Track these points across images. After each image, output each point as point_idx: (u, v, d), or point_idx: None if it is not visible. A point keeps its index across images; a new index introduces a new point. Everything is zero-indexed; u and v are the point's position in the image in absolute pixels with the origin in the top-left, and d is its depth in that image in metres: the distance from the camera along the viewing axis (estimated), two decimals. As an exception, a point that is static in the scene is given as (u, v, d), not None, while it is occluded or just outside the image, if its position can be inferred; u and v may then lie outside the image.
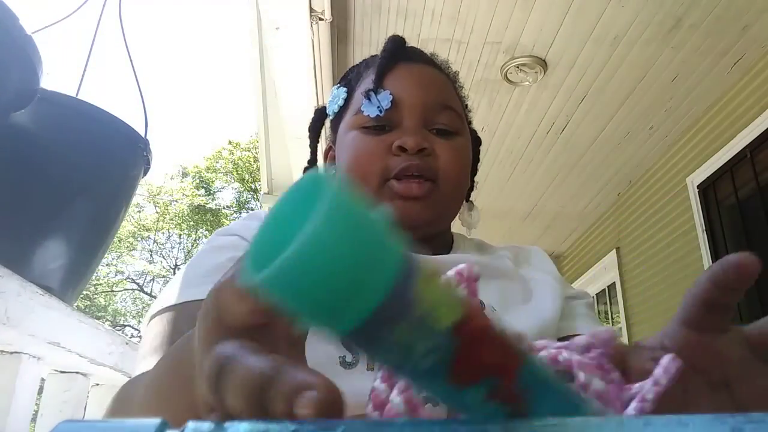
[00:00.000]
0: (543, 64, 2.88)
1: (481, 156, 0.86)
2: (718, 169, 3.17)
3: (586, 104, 3.20)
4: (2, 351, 0.82)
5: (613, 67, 2.90)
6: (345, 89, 0.77)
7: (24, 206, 0.90)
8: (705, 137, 3.28)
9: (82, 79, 1.11)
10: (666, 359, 0.28)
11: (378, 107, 0.70)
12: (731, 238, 3.13)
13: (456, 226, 0.83)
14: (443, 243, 0.78)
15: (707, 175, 3.25)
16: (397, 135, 0.70)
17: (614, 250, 4.36)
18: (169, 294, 0.61)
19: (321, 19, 2.39)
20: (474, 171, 0.84)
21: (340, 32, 2.75)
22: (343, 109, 0.77)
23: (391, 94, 0.71)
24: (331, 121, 0.80)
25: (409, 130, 0.70)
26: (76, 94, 1.07)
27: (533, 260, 0.79)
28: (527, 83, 3.01)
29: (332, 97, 0.79)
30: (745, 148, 2.94)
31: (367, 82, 0.73)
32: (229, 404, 0.23)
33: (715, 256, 3.18)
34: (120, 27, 1.21)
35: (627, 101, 3.17)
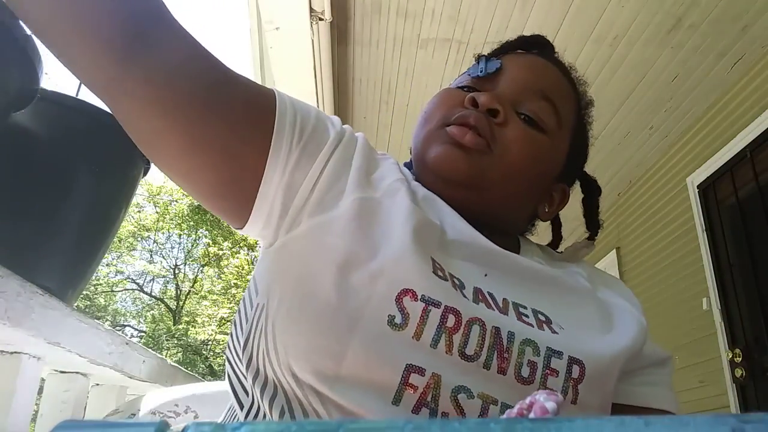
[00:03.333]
0: (543, 64, 2.88)
1: None
2: (718, 169, 3.17)
3: (586, 104, 3.19)
4: (2, 351, 0.82)
5: (613, 67, 2.90)
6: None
7: (24, 206, 0.90)
8: (705, 137, 3.28)
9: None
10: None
11: (482, 69, 0.68)
12: (731, 238, 3.13)
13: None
14: (509, 241, 0.71)
15: (707, 175, 3.25)
16: (479, 95, 0.65)
17: (614, 250, 4.36)
18: None
19: (321, 19, 2.39)
20: (596, 209, 0.83)
21: (340, 32, 2.75)
22: None
23: (501, 63, 0.68)
24: None
25: (493, 92, 0.66)
26: (76, 94, 1.07)
27: (614, 287, 0.71)
28: (527, 83, 3.01)
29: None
30: (745, 148, 2.94)
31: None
32: None
33: (715, 256, 3.18)
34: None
35: (627, 101, 3.17)
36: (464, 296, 0.54)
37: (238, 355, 0.55)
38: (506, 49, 0.73)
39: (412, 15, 2.64)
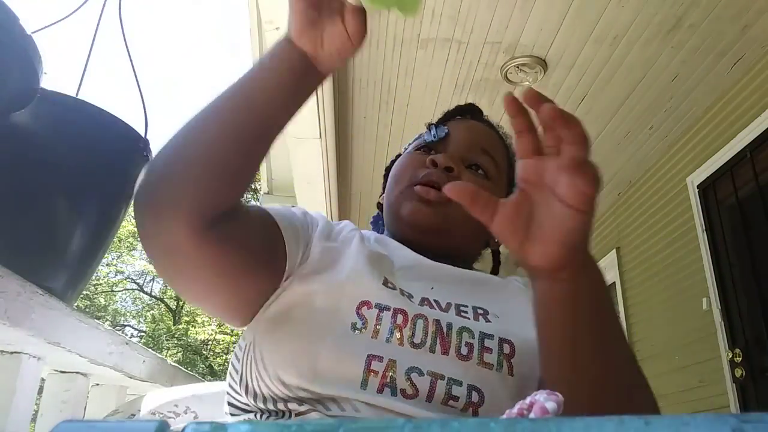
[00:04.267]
0: (543, 64, 2.88)
1: None
2: (718, 169, 3.17)
3: (586, 104, 3.20)
4: (2, 351, 0.82)
5: (613, 67, 2.90)
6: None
7: (24, 206, 0.90)
8: (705, 137, 3.28)
9: (82, 79, 1.11)
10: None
11: (434, 135, 0.87)
12: (731, 238, 3.13)
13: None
14: (465, 267, 0.85)
15: (707, 175, 3.25)
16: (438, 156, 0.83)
17: (614, 250, 4.36)
18: None
19: (321, 19, 2.39)
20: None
21: (340, 32, 2.74)
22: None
23: (447, 129, 0.87)
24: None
25: (447, 154, 0.84)
26: (76, 94, 1.07)
27: None
28: (527, 83, 3.01)
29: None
30: (745, 147, 2.94)
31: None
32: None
33: (716, 256, 3.18)
34: (120, 27, 1.20)
35: (627, 101, 3.17)
36: (411, 301, 0.69)
37: (236, 390, 0.68)
38: (449, 117, 0.91)
39: (412, 15, 2.63)
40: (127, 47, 1.19)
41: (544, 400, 0.31)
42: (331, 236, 0.78)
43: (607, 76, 2.97)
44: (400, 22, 2.68)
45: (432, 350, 0.64)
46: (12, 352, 0.82)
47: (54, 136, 0.95)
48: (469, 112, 0.94)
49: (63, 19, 1.12)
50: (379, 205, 0.95)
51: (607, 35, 2.70)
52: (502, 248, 0.94)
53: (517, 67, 2.91)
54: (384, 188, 0.94)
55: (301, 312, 0.66)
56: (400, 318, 0.66)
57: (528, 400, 0.33)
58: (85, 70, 1.15)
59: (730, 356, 2.99)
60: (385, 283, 0.70)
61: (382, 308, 0.67)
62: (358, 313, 0.66)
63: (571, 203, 0.48)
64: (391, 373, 0.61)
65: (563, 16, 2.60)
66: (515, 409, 0.32)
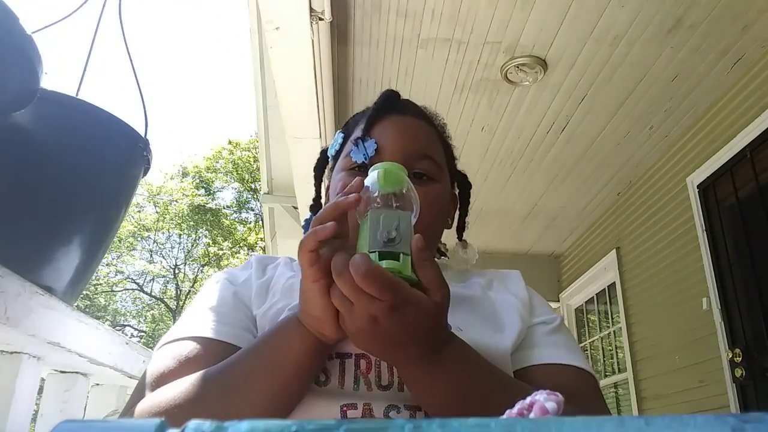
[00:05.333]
0: (543, 63, 2.88)
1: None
2: (718, 169, 3.17)
3: (586, 104, 3.20)
4: (2, 351, 0.82)
5: (613, 67, 2.90)
6: (342, 134, 0.88)
7: (23, 206, 0.90)
8: (705, 137, 3.28)
9: (82, 79, 1.11)
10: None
11: (364, 154, 0.80)
12: (731, 238, 3.13)
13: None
14: None
15: (707, 175, 3.25)
16: None
17: (614, 250, 4.36)
18: (178, 328, 0.72)
19: (321, 19, 2.39)
20: (465, 212, 0.93)
21: (340, 32, 2.75)
22: (339, 152, 0.86)
23: (375, 142, 0.80)
24: (332, 161, 0.90)
25: None
26: (76, 94, 1.07)
27: (508, 283, 0.85)
28: (527, 83, 3.01)
29: (333, 141, 0.90)
30: (745, 147, 2.94)
31: (359, 130, 0.83)
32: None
33: (716, 256, 3.18)
34: (120, 27, 1.20)
35: (627, 101, 3.17)
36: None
37: None
38: (371, 120, 0.83)
39: (412, 15, 2.64)
40: (127, 47, 1.19)
41: (545, 400, 0.31)
42: (270, 288, 0.78)
43: (607, 76, 2.97)
44: (400, 22, 2.68)
45: (401, 389, 0.64)
46: (12, 352, 0.82)
47: (54, 137, 0.95)
48: (391, 106, 0.86)
49: (63, 19, 1.12)
50: (313, 208, 0.93)
51: (607, 35, 2.70)
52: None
53: (517, 67, 2.91)
54: (317, 189, 0.93)
55: None
56: (363, 364, 0.65)
57: (528, 400, 0.33)
58: (85, 70, 1.15)
59: (730, 356, 2.98)
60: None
61: (343, 356, 0.66)
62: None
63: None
64: (369, 416, 0.62)
65: (563, 16, 2.60)
66: (515, 409, 0.32)
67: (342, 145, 0.86)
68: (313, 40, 2.44)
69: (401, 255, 0.55)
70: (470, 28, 2.69)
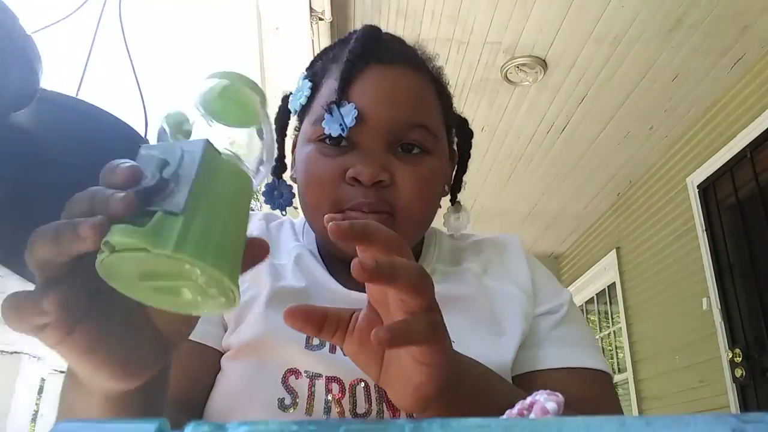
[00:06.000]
0: (543, 64, 2.88)
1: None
2: (718, 169, 3.17)
3: (586, 104, 3.20)
4: (2, 351, 0.82)
5: (613, 67, 2.90)
6: (310, 83, 0.68)
7: (24, 206, 0.90)
8: (705, 137, 3.28)
9: (82, 79, 1.11)
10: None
11: (341, 125, 0.61)
12: (731, 238, 3.13)
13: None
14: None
15: (707, 175, 3.25)
16: (356, 158, 0.62)
17: (614, 250, 4.36)
18: None
19: (321, 19, 2.39)
20: (463, 169, 0.78)
21: (340, 32, 2.75)
22: (306, 106, 0.68)
23: (356, 108, 0.61)
24: (297, 115, 0.71)
25: (368, 156, 0.62)
26: (76, 94, 1.07)
27: (507, 261, 0.72)
28: (527, 83, 3.01)
29: (296, 89, 0.69)
30: (745, 147, 2.94)
31: (331, 84, 0.64)
32: (38, 255, 0.33)
33: (716, 256, 3.18)
34: (120, 27, 1.20)
35: (627, 101, 3.17)
36: (344, 356, 0.54)
37: None
38: (347, 75, 0.63)
39: (412, 15, 2.64)
40: (127, 47, 1.19)
41: (545, 400, 0.31)
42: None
43: (607, 76, 2.97)
44: (400, 22, 2.68)
45: (380, 416, 0.56)
46: (12, 352, 0.82)
47: (54, 137, 0.95)
48: (373, 51, 0.65)
49: (63, 19, 1.12)
50: (275, 170, 0.74)
51: (607, 35, 2.70)
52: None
53: (517, 67, 2.91)
54: (280, 147, 0.75)
55: (224, 386, 0.59)
56: (335, 388, 0.56)
57: (528, 400, 0.32)
58: (85, 70, 1.15)
59: (730, 356, 2.98)
60: (309, 342, 0.58)
61: (312, 377, 0.56)
62: (285, 386, 0.56)
63: (420, 359, 0.40)
64: None
65: (563, 16, 2.60)
66: (515, 410, 0.32)
67: (310, 99, 0.67)
68: (313, 40, 2.44)
69: (160, 213, 0.30)
70: (470, 28, 2.69)
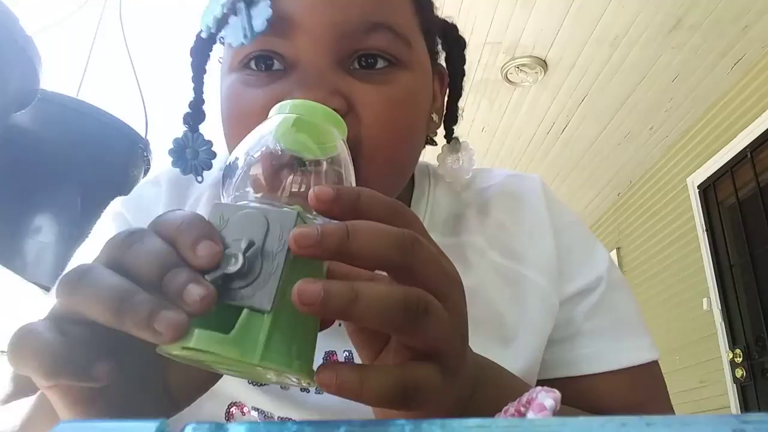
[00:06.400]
0: (543, 64, 2.88)
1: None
2: (718, 170, 3.17)
3: (587, 104, 3.20)
4: (2, 351, 0.82)
5: (613, 68, 2.90)
6: None
7: (24, 206, 0.90)
8: (705, 137, 3.28)
9: (82, 79, 1.11)
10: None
11: (244, 29, 0.42)
12: (731, 238, 3.13)
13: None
14: None
15: (707, 176, 3.25)
16: (292, 83, 0.43)
17: (614, 250, 4.36)
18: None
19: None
20: (457, 94, 0.60)
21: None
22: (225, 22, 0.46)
23: (270, 6, 0.42)
24: (224, 45, 0.50)
25: (308, 77, 0.43)
26: (76, 95, 1.07)
27: (524, 226, 0.55)
28: (527, 83, 3.01)
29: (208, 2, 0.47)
30: (745, 148, 2.94)
31: None
32: (85, 309, 0.26)
33: (716, 256, 3.18)
34: (120, 27, 1.20)
35: (627, 101, 3.17)
36: (303, 389, 0.46)
37: None
38: None
39: (413, 15, 2.64)
40: (127, 47, 1.20)
41: (542, 398, 0.31)
42: None
43: (607, 76, 2.97)
44: (401, 22, 2.68)
45: None
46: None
47: (54, 137, 0.95)
48: None
49: (63, 19, 1.12)
50: (189, 117, 0.52)
51: (607, 35, 2.69)
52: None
53: (518, 68, 2.91)
54: (196, 87, 0.53)
55: None
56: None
57: (525, 397, 0.32)
58: (85, 70, 1.15)
59: (731, 357, 2.98)
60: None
61: (261, 414, 0.46)
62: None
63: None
64: None
65: (564, 17, 2.60)
66: (512, 407, 0.32)
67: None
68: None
69: (246, 312, 0.26)
70: (470, 28, 2.69)
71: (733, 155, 3.03)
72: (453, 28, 0.62)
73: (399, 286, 0.28)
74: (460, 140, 0.58)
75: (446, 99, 0.59)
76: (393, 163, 0.47)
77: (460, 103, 0.60)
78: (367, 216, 0.28)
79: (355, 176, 0.38)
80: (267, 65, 0.45)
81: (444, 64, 0.59)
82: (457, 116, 0.60)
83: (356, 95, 0.44)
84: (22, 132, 0.90)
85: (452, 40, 0.61)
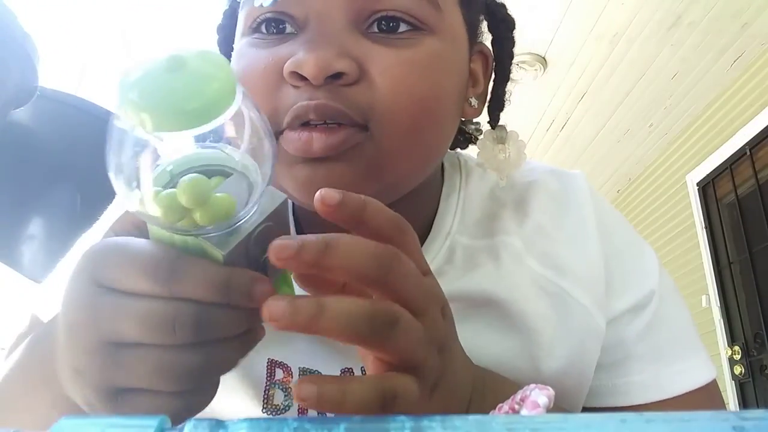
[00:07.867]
0: (542, 61, 2.88)
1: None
2: (717, 167, 3.17)
3: (586, 102, 3.19)
4: (2, 349, 0.82)
5: (612, 65, 2.90)
6: None
7: (23, 205, 0.90)
8: (705, 135, 3.28)
9: (82, 77, 1.11)
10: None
11: None
12: (730, 235, 3.13)
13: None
14: (417, 215, 0.47)
15: (707, 173, 3.25)
16: (300, 43, 0.39)
17: (614, 248, 4.36)
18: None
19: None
20: (505, 77, 0.56)
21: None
22: None
23: None
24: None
25: (316, 37, 0.39)
26: (76, 92, 1.07)
27: (567, 230, 0.49)
28: (527, 80, 3.01)
29: None
30: (744, 145, 2.94)
31: None
32: (187, 291, 0.27)
33: (715, 253, 3.18)
34: (120, 27, 1.20)
35: (626, 99, 3.17)
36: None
37: None
38: None
39: (412, 12, 2.63)
40: (127, 47, 1.19)
41: (536, 395, 0.31)
42: None
43: (606, 73, 2.96)
44: (400, 19, 2.67)
45: None
46: (12, 350, 0.83)
47: (54, 134, 0.95)
48: None
49: (63, 19, 1.12)
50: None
51: (606, 33, 2.69)
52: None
53: (517, 65, 2.89)
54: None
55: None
56: None
57: (519, 395, 0.32)
58: (85, 69, 1.15)
59: (730, 354, 2.99)
60: (268, 400, 0.43)
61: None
62: None
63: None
64: None
65: (563, 14, 2.60)
66: (506, 405, 0.32)
67: None
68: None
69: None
70: (470, 25, 2.68)
71: (733, 152, 3.03)
72: (501, 6, 0.56)
73: (367, 300, 0.28)
74: (507, 129, 0.52)
75: (491, 84, 0.54)
76: (412, 141, 0.40)
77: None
78: (368, 226, 0.28)
79: (365, 157, 0.38)
80: (279, 29, 0.41)
81: (490, 48, 0.54)
82: (504, 101, 0.55)
83: (371, 59, 0.38)
84: (21, 129, 0.90)
85: (499, 19, 0.56)
